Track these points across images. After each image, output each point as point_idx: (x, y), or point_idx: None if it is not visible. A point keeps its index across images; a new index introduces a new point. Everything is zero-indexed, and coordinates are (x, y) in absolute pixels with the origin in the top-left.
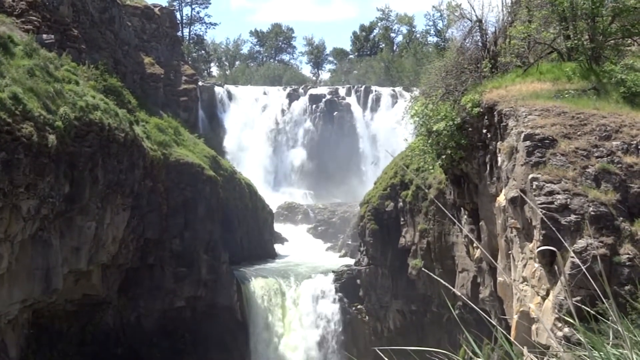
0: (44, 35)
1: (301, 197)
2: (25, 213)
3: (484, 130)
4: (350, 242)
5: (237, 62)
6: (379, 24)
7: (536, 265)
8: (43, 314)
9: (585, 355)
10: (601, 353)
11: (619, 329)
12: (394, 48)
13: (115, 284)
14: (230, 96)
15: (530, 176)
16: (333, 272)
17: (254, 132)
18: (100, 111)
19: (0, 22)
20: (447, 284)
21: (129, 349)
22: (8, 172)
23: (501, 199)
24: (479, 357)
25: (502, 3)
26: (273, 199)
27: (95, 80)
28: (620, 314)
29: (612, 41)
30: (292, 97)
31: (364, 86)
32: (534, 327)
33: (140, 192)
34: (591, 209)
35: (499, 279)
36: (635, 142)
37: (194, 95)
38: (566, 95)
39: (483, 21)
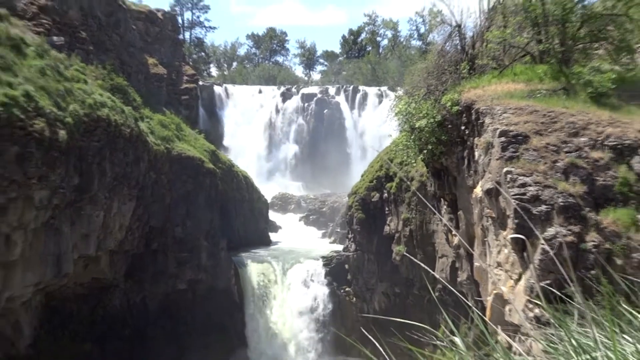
0: (54, 38)
1: (294, 188)
2: (38, 203)
3: (463, 127)
4: (339, 230)
5: (235, 63)
6: (366, 29)
7: (509, 251)
8: (55, 297)
9: (552, 333)
10: (566, 331)
11: (584, 309)
12: (380, 51)
13: (122, 269)
14: (228, 95)
15: (505, 169)
16: (323, 257)
17: (250, 128)
18: (108, 108)
19: (13, 24)
20: (428, 269)
21: (135, 329)
22: (21, 164)
23: (478, 191)
24: (456, 336)
25: (480, 9)
26: (268, 190)
27: (102, 80)
28: (586, 296)
29: (580, 45)
30: (286, 96)
31: (352, 86)
32: (507, 308)
33: (145, 184)
34: (560, 199)
35: (475, 264)
36: (601, 138)
37: (195, 94)
38: (538, 95)
39: (462, 26)
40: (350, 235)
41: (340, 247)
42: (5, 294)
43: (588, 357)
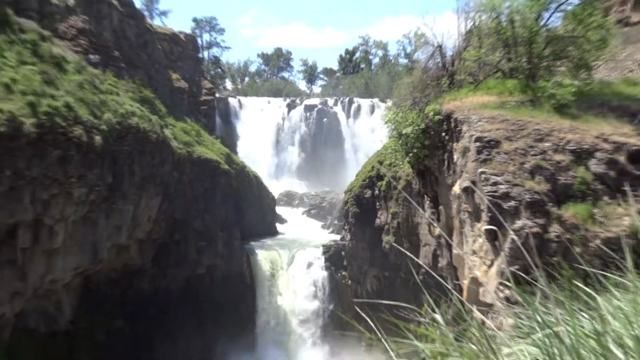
0: (91, 56)
1: (298, 186)
2: (77, 199)
3: (443, 134)
4: (336, 222)
5: (247, 78)
6: (360, 49)
7: (483, 241)
8: (91, 280)
9: (520, 311)
10: (532, 309)
11: (547, 291)
12: (372, 68)
13: (149, 256)
14: (241, 105)
15: (479, 170)
16: (322, 245)
17: (260, 134)
18: (137, 117)
19: (55, 44)
20: (412, 256)
21: (160, 309)
22: (62, 166)
23: (456, 188)
24: (437, 313)
25: (458, 32)
26: (275, 188)
27: (132, 92)
28: (549, 280)
29: (545, 63)
30: (291, 106)
31: (347, 98)
32: (481, 289)
33: (169, 182)
34: (527, 196)
35: (454, 251)
36: (562, 143)
37: (212, 105)
38: (508, 106)
39: (443, 47)
40: (346, 227)
41: (337, 237)
42: (49, 277)
43: (550, 331)
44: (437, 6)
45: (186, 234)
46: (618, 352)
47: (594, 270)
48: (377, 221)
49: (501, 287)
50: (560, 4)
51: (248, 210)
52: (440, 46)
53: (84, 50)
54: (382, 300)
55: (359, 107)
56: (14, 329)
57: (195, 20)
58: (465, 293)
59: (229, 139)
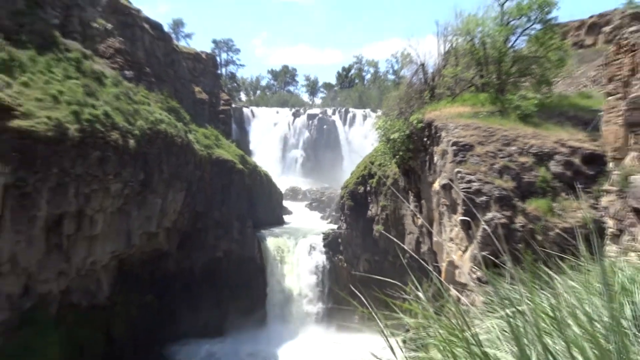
0: (126, 72)
1: (301, 183)
2: (114, 193)
3: (425, 139)
4: (334, 214)
5: (258, 91)
6: (355, 66)
7: (459, 230)
8: (126, 262)
9: (490, 290)
10: (500, 288)
11: (513, 273)
12: (365, 83)
13: (174, 242)
14: (253, 114)
15: (456, 170)
16: (322, 233)
17: (269, 139)
18: (165, 124)
19: (95, 62)
20: (399, 242)
21: (184, 286)
22: (101, 165)
23: (436, 185)
24: (420, 291)
25: (438, 52)
26: (282, 184)
27: (161, 103)
28: (514, 263)
29: (512, 79)
30: (296, 115)
31: (344, 108)
32: (457, 271)
33: (192, 179)
34: (496, 192)
35: (434, 239)
36: (526, 147)
37: (229, 114)
38: (480, 116)
39: (425, 65)
40: (342, 218)
41: (335, 226)
42: (90, 259)
43: (515, 308)
44: (421, 30)
45: (206, 223)
46: (571, 325)
47: (552, 255)
48: (369, 213)
49: (474, 269)
50: (525, 29)
51: (259, 203)
52: (423, 64)
53: (120, 67)
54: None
55: (353, 116)
56: (60, 304)
57: (214, 41)
58: (443, 274)
59: (243, 143)
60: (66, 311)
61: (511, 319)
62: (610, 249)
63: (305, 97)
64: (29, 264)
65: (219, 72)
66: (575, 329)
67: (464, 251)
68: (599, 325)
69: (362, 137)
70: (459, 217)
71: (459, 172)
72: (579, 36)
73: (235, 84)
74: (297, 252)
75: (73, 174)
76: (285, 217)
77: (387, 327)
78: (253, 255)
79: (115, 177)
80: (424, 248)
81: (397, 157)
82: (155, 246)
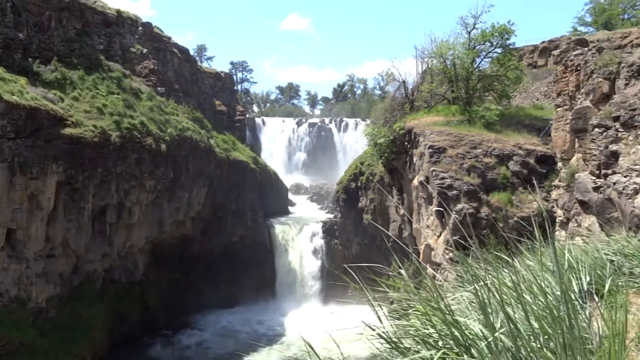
0: (158, 88)
1: (303, 180)
2: (148, 188)
3: (406, 143)
4: (331, 205)
5: (268, 104)
6: (348, 83)
7: (434, 218)
8: (158, 246)
9: (460, 269)
10: (468, 267)
11: (479, 254)
12: (356, 97)
13: (199, 228)
14: (264, 123)
15: (431, 169)
16: (321, 222)
17: (277, 144)
18: (191, 131)
19: (133, 80)
20: (384, 230)
21: (206, 266)
22: (138, 165)
23: (415, 182)
24: (402, 270)
25: (417, 72)
26: (288, 180)
27: (187, 114)
28: (480, 246)
29: (477, 94)
30: (299, 124)
31: (339, 118)
32: (432, 253)
33: (213, 177)
34: (465, 187)
35: (414, 226)
36: (490, 150)
37: (243, 123)
38: (452, 124)
39: (406, 82)
40: (337, 209)
41: (331, 216)
42: (128, 243)
43: (481, 282)
44: (403, 53)
45: (225, 213)
46: (528, 297)
47: (512, 239)
48: (359, 204)
49: (446, 251)
50: (488, 52)
51: (268, 196)
52: (404, 82)
53: (154, 84)
54: (364, 265)
55: (347, 125)
56: (104, 280)
57: (232, 63)
58: (421, 255)
59: (256, 147)
60: (109, 286)
61: (478, 292)
62: (560, 234)
63: (306, 108)
64: (78, 247)
65: (235, 88)
66: (532, 300)
67: (439, 236)
68: (551, 298)
69: (354, 142)
70: (434, 208)
71: (434, 170)
72: (532, 58)
73: (249, 98)
74: (300, 238)
75: (114, 173)
76: (290, 208)
77: (374, 300)
78: (264, 240)
79: (149, 175)
80: (405, 234)
81: (383, 158)
82: (182, 232)
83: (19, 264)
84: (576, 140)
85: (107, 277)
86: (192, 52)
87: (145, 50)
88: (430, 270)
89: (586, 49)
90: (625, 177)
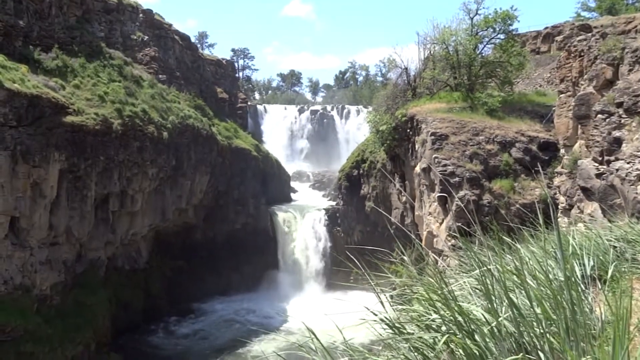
0: (160, 76)
1: (305, 167)
2: (151, 176)
3: (408, 130)
4: (333, 192)
5: (269, 91)
6: (350, 70)
7: (436, 205)
8: (161, 233)
9: (461, 254)
10: (472, 252)
11: (482, 239)
12: (358, 84)
13: (201, 216)
14: (265, 110)
15: (434, 156)
16: (323, 209)
17: (278, 130)
18: (193, 119)
19: (135, 67)
20: (387, 215)
21: (209, 253)
22: (140, 153)
23: (417, 169)
24: (405, 255)
25: (419, 58)
26: (290, 168)
27: (189, 101)
28: (483, 232)
29: (480, 80)
30: (301, 111)
31: (341, 105)
32: (435, 239)
33: (215, 164)
34: (467, 174)
35: (416, 213)
36: (492, 137)
37: (245, 110)
38: (454, 111)
39: (408, 69)
40: (339, 196)
41: (333, 203)
42: (131, 231)
43: (485, 268)
44: (405, 39)
45: (227, 200)
46: (532, 283)
47: (514, 226)
48: (361, 192)
49: (449, 238)
50: (491, 39)
51: (270, 184)
52: (406, 68)
53: (155, 72)
54: (366, 247)
55: (349, 112)
56: (107, 267)
57: (233, 50)
58: (423, 242)
59: (257, 134)
60: (112, 274)
61: (482, 278)
62: (562, 221)
63: (308, 96)
64: (81, 235)
65: (237, 75)
66: (534, 285)
67: (441, 223)
68: (555, 284)
69: (355, 129)
70: (436, 195)
71: (436, 157)
72: (535, 44)
73: (250, 85)
74: (303, 225)
75: (117, 160)
76: (293, 196)
77: (377, 286)
78: (266, 227)
79: (151, 163)
80: (408, 221)
81: (385, 145)
82: (185, 220)
83: (23, 251)
84: (579, 126)
85: (110, 265)
86: (193, 39)
87: (146, 37)
88: (432, 256)
89: (590, 34)
90: (628, 163)
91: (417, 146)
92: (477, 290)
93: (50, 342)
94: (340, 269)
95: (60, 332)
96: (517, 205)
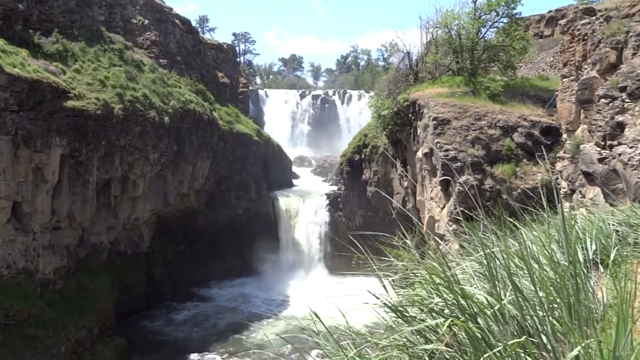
0: (160, 60)
1: (307, 152)
2: (152, 161)
3: (410, 115)
4: (335, 177)
5: (271, 76)
6: (351, 54)
7: (438, 190)
8: (163, 218)
9: (463, 238)
10: (476, 235)
11: (486, 223)
12: (360, 68)
13: (203, 201)
14: (267, 95)
15: (435, 141)
16: (325, 194)
17: (280, 115)
18: (194, 103)
19: (135, 52)
20: (390, 198)
21: (211, 237)
22: (142, 138)
23: (419, 154)
24: (407, 240)
25: (421, 42)
26: (291, 153)
27: (190, 86)
28: (485, 216)
29: (482, 64)
30: (302, 96)
31: (342, 90)
32: (436, 224)
33: (217, 149)
34: (469, 159)
35: (418, 197)
36: (494, 121)
37: (246, 95)
38: (456, 95)
39: (410, 53)
40: (341, 181)
41: (335, 188)
42: (133, 216)
43: (488, 251)
44: (407, 23)
45: (229, 185)
46: (535, 266)
47: (516, 210)
48: (363, 177)
49: (450, 223)
50: (494, 22)
51: (272, 169)
52: (408, 52)
53: (156, 56)
54: (367, 232)
55: (350, 96)
56: (109, 252)
57: (234, 34)
58: (425, 227)
59: (259, 119)
60: (114, 258)
61: (486, 261)
62: (564, 206)
63: (310, 80)
64: (83, 219)
65: (238, 60)
66: (537, 268)
67: (442, 208)
68: (558, 268)
69: (357, 114)
70: (439, 179)
71: (438, 142)
72: (539, 28)
73: (251, 70)
74: (304, 209)
75: (118, 145)
76: (294, 181)
77: (380, 270)
78: (268, 212)
79: (153, 148)
80: (409, 205)
81: (387, 130)
82: (187, 205)
83: (26, 236)
84: (582, 111)
85: (112, 249)
86: (194, 24)
87: (147, 21)
88: (434, 241)
89: (594, 18)
90: (630, 148)
91: (419, 131)
92: (480, 274)
93: (54, 326)
94: (341, 254)
95: (63, 316)
96: (519, 190)
